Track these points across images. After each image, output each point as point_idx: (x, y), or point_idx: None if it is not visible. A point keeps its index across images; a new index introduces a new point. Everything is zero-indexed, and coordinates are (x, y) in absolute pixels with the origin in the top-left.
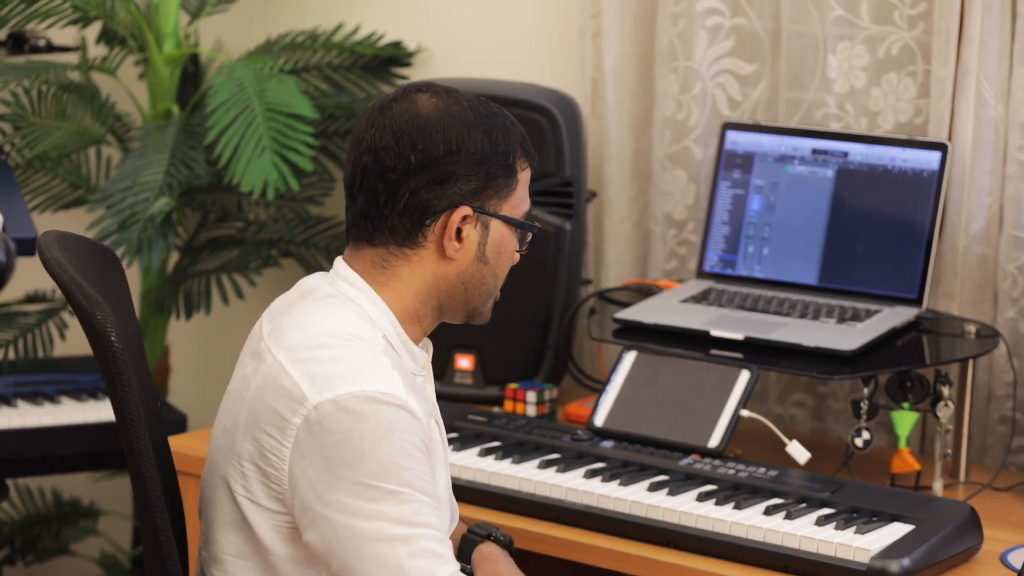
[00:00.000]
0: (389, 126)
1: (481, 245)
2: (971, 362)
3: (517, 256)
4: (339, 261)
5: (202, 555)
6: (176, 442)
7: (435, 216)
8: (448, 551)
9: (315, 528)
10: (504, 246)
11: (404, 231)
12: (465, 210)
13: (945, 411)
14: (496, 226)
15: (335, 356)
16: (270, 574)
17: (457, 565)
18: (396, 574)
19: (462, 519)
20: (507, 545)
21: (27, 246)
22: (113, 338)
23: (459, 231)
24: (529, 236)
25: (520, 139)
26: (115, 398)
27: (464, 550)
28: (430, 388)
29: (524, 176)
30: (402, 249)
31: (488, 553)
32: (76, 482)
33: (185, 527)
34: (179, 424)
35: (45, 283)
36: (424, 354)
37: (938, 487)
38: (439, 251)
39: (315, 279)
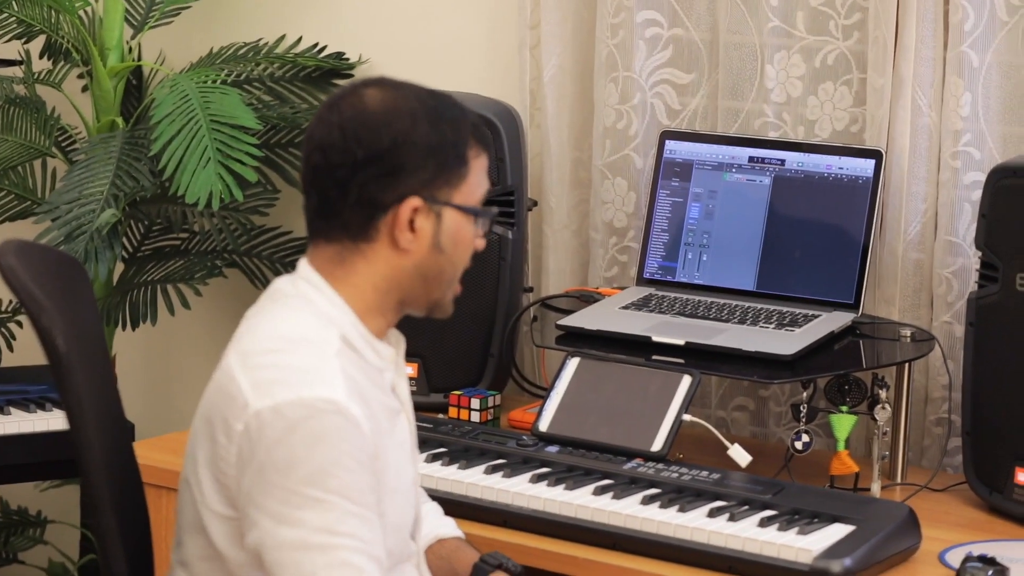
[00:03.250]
0: (336, 122)
1: (436, 235)
2: (907, 365)
3: (480, 242)
4: (301, 261)
5: (172, 557)
6: None
7: (385, 209)
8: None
9: (251, 533)
10: (460, 234)
11: (356, 226)
12: (415, 201)
13: (883, 414)
14: (450, 215)
15: (278, 362)
16: None
17: None
18: None
19: (471, 544)
20: None
21: None
22: (58, 341)
23: (412, 222)
24: (490, 220)
25: (471, 128)
26: (64, 402)
27: None
28: (402, 383)
29: (478, 163)
30: (356, 244)
31: None
32: (23, 491)
33: (151, 533)
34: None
35: None
36: (390, 349)
37: (876, 488)
38: (393, 244)
39: (280, 280)
